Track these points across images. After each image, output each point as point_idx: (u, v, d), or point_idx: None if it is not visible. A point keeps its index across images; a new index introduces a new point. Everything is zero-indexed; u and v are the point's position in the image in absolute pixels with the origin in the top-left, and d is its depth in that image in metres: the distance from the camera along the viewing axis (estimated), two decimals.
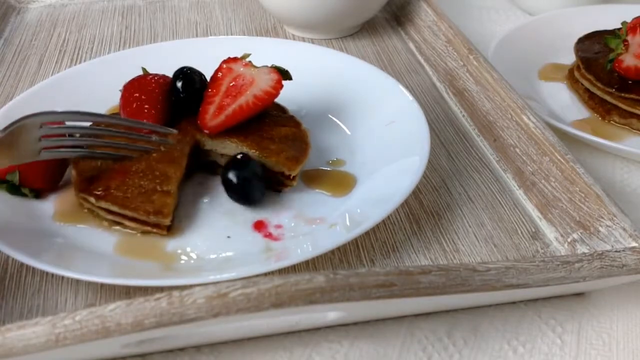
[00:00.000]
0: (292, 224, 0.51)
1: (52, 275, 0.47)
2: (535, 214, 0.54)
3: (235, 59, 0.54)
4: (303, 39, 0.82)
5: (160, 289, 0.39)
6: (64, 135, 0.51)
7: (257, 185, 0.51)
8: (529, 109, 0.58)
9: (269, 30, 0.85)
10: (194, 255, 0.48)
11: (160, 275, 0.46)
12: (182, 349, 0.42)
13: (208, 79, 0.56)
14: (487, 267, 0.40)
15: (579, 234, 0.49)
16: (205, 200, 0.53)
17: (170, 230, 0.50)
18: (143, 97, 0.54)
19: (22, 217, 0.50)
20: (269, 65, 0.53)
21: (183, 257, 0.48)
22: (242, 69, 0.53)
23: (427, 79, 0.73)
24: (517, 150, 0.58)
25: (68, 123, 0.50)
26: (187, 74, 0.56)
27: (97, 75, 0.64)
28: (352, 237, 0.46)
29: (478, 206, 0.54)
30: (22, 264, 0.48)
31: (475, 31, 0.83)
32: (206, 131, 0.54)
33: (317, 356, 0.42)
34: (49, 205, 0.52)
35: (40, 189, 0.52)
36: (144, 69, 0.57)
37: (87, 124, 0.53)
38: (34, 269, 0.48)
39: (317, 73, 0.64)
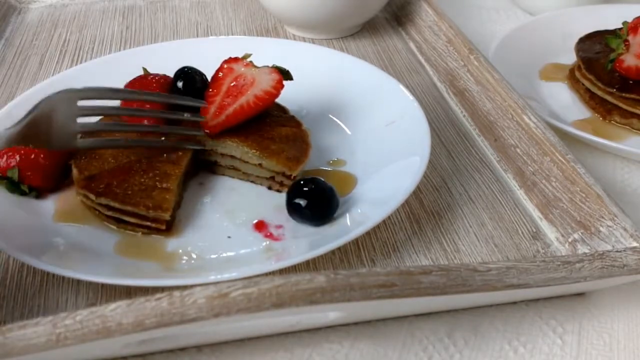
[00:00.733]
0: (293, 224, 0.51)
1: (53, 275, 0.47)
2: (536, 214, 0.54)
3: (236, 59, 0.54)
4: (304, 39, 0.82)
5: (161, 289, 0.39)
6: (99, 119, 0.51)
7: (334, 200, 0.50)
8: (529, 109, 0.58)
9: (269, 30, 0.85)
10: (194, 256, 0.48)
11: (161, 275, 0.46)
12: (182, 349, 0.42)
13: (208, 78, 0.56)
14: (487, 267, 0.40)
15: (580, 234, 0.49)
16: (206, 200, 0.53)
17: (171, 229, 0.50)
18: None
19: (23, 216, 0.50)
20: (270, 65, 0.54)
21: (184, 257, 0.48)
22: (243, 69, 0.53)
23: (427, 79, 0.73)
24: (518, 150, 0.58)
25: (103, 103, 0.51)
26: (188, 74, 0.56)
27: (96, 75, 0.63)
28: (353, 237, 0.46)
29: (479, 206, 0.54)
30: (22, 264, 0.48)
31: (476, 31, 0.83)
32: (207, 131, 0.54)
33: (318, 356, 0.42)
34: (50, 205, 0.52)
35: (40, 188, 0.52)
36: (144, 69, 0.57)
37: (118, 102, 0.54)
38: (34, 268, 0.48)
39: (318, 73, 0.64)
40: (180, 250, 0.48)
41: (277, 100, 0.55)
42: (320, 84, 0.64)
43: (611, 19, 0.70)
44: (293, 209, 0.50)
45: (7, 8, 0.90)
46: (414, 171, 0.51)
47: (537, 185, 0.54)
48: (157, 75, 0.56)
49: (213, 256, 0.48)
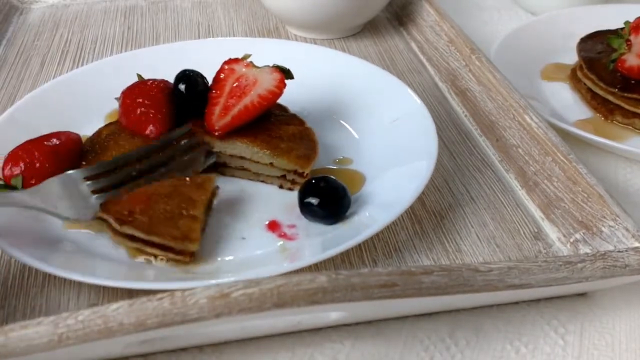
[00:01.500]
0: (306, 223, 0.50)
1: (55, 275, 0.47)
2: (537, 214, 0.54)
3: (236, 60, 0.54)
4: (305, 39, 0.82)
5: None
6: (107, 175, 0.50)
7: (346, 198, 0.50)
8: (531, 109, 0.58)
9: (271, 31, 0.85)
10: (211, 258, 0.48)
11: (181, 278, 0.45)
12: (184, 349, 0.42)
13: (208, 81, 0.56)
14: (489, 267, 0.40)
15: (582, 234, 0.49)
16: (217, 202, 0.53)
17: (195, 258, 0.47)
18: (147, 102, 0.54)
19: (28, 220, 0.49)
20: (270, 65, 0.54)
21: (201, 260, 0.47)
22: (244, 70, 0.53)
23: (429, 79, 0.73)
24: (520, 150, 0.57)
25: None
26: (190, 77, 0.55)
27: (88, 83, 0.63)
28: (370, 234, 0.46)
29: (480, 206, 0.54)
30: (24, 264, 0.48)
31: (478, 31, 0.83)
32: (215, 133, 0.54)
33: (320, 356, 0.42)
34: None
35: None
36: (139, 75, 0.57)
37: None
38: (36, 269, 0.48)
39: (318, 73, 0.64)
40: (197, 253, 0.47)
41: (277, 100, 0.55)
42: (320, 84, 0.64)
43: (613, 18, 0.70)
44: (306, 208, 0.50)
45: (9, 8, 0.90)
46: (422, 175, 0.50)
47: (539, 185, 0.54)
48: (155, 80, 0.56)
49: (229, 258, 0.48)
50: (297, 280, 0.35)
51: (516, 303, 0.46)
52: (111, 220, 0.47)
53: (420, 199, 0.55)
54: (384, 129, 0.59)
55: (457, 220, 0.53)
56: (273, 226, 0.51)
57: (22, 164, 0.50)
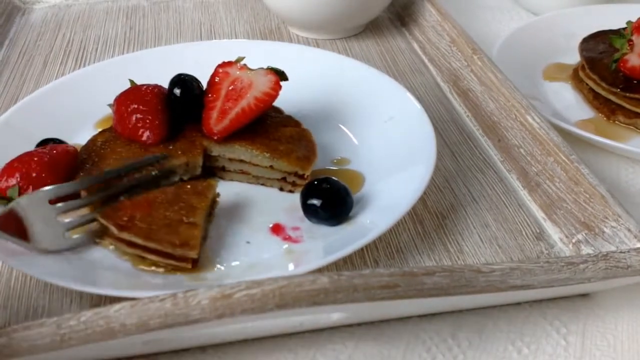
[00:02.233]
0: (309, 225, 0.50)
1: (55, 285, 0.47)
2: (539, 214, 0.53)
3: (230, 63, 0.53)
4: (307, 40, 0.82)
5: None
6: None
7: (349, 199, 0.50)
8: (533, 109, 0.58)
9: (272, 31, 0.85)
10: (217, 264, 0.47)
11: (188, 285, 0.45)
12: (186, 350, 0.42)
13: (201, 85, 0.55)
14: (491, 268, 0.40)
15: (584, 234, 0.49)
16: (218, 207, 0.52)
17: (197, 266, 0.47)
18: (142, 108, 0.53)
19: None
20: (265, 67, 0.53)
21: (207, 266, 0.47)
22: (238, 73, 0.53)
23: (431, 79, 0.73)
24: (522, 150, 0.57)
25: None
26: (185, 81, 0.55)
27: (79, 90, 0.63)
28: (376, 235, 0.46)
29: (482, 207, 0.54)
30: None
31: (479, 31, 0.83)
32: (214, 137, 0.53)
33: (321, 357, 0.42)
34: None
35: None
36: (131, 81, 0.56)
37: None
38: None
39: (312, 75, 0.64)
40: (203, 260, 0.47)
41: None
42: (314, 85, 0.64)
43: (615, 18, 0.70)
44: (309, 210, 0.50)
45: (12, 9, 0.90)
46: (421, 177, 0.50)
47: (541, 185, 0.54)
48: (149, 85, 0.55)
49: (235, 263, 0.48)
50: (299, 281, 0.35)
51: (518, 304, 0.46)
52: (110, 226, 0.47)
53: (422, 200, 0.55)
54: (379, 128, 0.59)
55: (459, 221, 0.53)
56: (277, 229, 0.51)
57: (17, 174, 0.49)
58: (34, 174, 0.49)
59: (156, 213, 0.47)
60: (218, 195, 0.52)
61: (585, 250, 0.48)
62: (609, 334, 0.44)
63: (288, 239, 0.50)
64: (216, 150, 0.55)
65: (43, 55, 0.79)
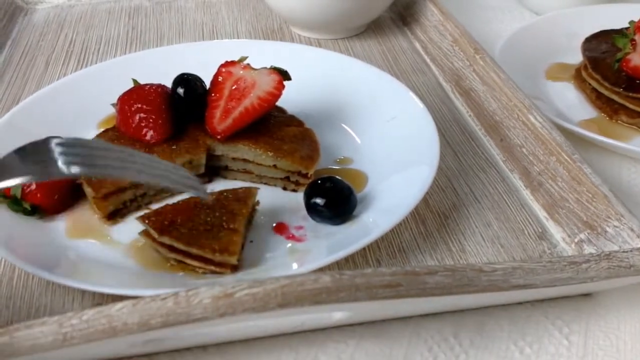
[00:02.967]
0: (312, 224, 0.50)
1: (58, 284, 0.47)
2: (542, 214, 0.53)
3: (232, 63, 0.53)
4: (309, 39, 0.82)
5: None
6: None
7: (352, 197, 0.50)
8: (535, 109, 0.58)
9: (275, 31, 0.85)
10: None
11: (193, 284, 0.45)
12: (188, 349, 0.42)
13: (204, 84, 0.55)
14: (493, 267, 0.40)
15: (586, 234, 0.49)
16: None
17: (237, 270, 0.46)
18: (145, 107, 0.53)
19: (34, 232, 0.50)
20: (268, 66, 0.53)
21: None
22: (241, 72, 0.53)
23: (433, 78, 0.73)
24: (524, 150, 0.57)
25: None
26: (188, 80, 0.55)
27: (80, 90, 0.63)
28: (380, 234, 0.46)
29: (484, 206, 0.54)
30: None
31: (482, 31, 0.83)
32: (218, 136, 0.54)
33: (323, 356, 0.42)
34: (58, 224, 0.51)
35: (45, 207, 0.50)
36: (134, 80, 0.56)
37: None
38: None
39: (315, 75, 0.64)
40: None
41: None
42: (317, 85, 0.64)
43: (617, 18, 0.70)
44: (313, 209, 0.50)
45: (14, 9, 0.90)
46: (424, 177, 0.50)
47: (543, 185, 0.54)
48: (153, 85, 0.55)
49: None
50: (301, 280, 0.35)
51: (520, 303, 0.46)
52: (150, 229, 0.47)
53: (424, 199, 0.55)
54: (382, 127, 0.59)
55: (461, 220, 0.53)
56: (280, 228, 0.51)
57: None
58: None
59: (197, 218, 0.47)
60: (258, 203, 0.51)
61: (588, 249, 0.48)
62: (611, 334, 0.44)
63: (291, 237, 0.50)
64: (220, 149, 0.55)
65: (45, 55, 0.79)
